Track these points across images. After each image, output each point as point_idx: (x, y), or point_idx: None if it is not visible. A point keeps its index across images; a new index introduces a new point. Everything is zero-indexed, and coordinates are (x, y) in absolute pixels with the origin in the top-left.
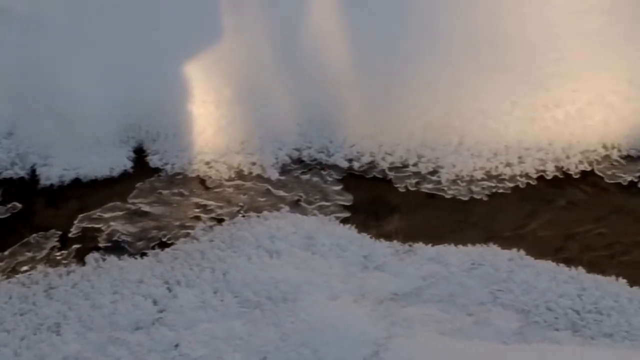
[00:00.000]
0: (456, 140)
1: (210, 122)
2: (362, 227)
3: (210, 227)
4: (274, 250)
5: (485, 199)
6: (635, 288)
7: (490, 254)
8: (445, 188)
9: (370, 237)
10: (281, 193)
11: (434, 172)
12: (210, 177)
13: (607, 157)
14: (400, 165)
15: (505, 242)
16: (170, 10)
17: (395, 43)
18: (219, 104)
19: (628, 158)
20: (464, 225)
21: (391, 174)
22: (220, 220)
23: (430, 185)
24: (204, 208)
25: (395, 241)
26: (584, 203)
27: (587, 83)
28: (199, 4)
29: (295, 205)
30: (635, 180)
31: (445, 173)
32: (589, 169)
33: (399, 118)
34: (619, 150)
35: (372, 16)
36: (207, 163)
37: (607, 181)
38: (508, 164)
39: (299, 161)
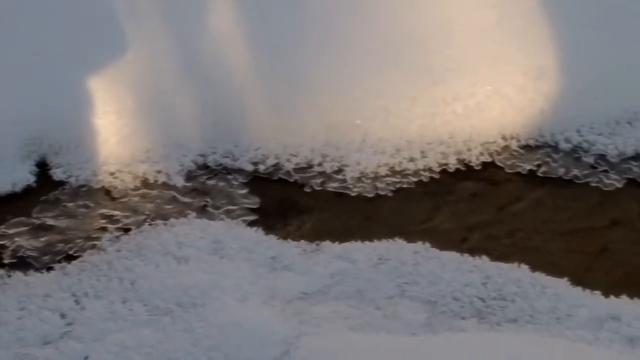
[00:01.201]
0: (359, 138)
1: (113, 132)
2: (270, 229)
3: (117, 237)
4: (182, 257)
5: (390, 194)
6: (537, 273)
7: (397, 248)
8: (351, 186)
9: (278, 239)
10: (187, 199)
11: (339, 171)
12: (115, 187)
13: (506, 147)
14: (305, 166)
15: (412, 236)
16: (67, 20)
17: (296, 45)
18: (121, 114)
19: (527, 148)
20: (370, 222)
21: (297, 175)
22: (127, 230)
23: (335, 184)
24: (110, 218)
25: (302, 241)
26: (486, 193)
27: (484, 76)
28: (97, 12)
29: (202, 211)
30: (534, 169)
31: (350, 171)
32: (489, 160)
33: (302, 119)
34: (518, 141)
35: (272, 20)
36: (112, 173)
37: (508, 171)
38: (411, 159)
39: (205, 167)
